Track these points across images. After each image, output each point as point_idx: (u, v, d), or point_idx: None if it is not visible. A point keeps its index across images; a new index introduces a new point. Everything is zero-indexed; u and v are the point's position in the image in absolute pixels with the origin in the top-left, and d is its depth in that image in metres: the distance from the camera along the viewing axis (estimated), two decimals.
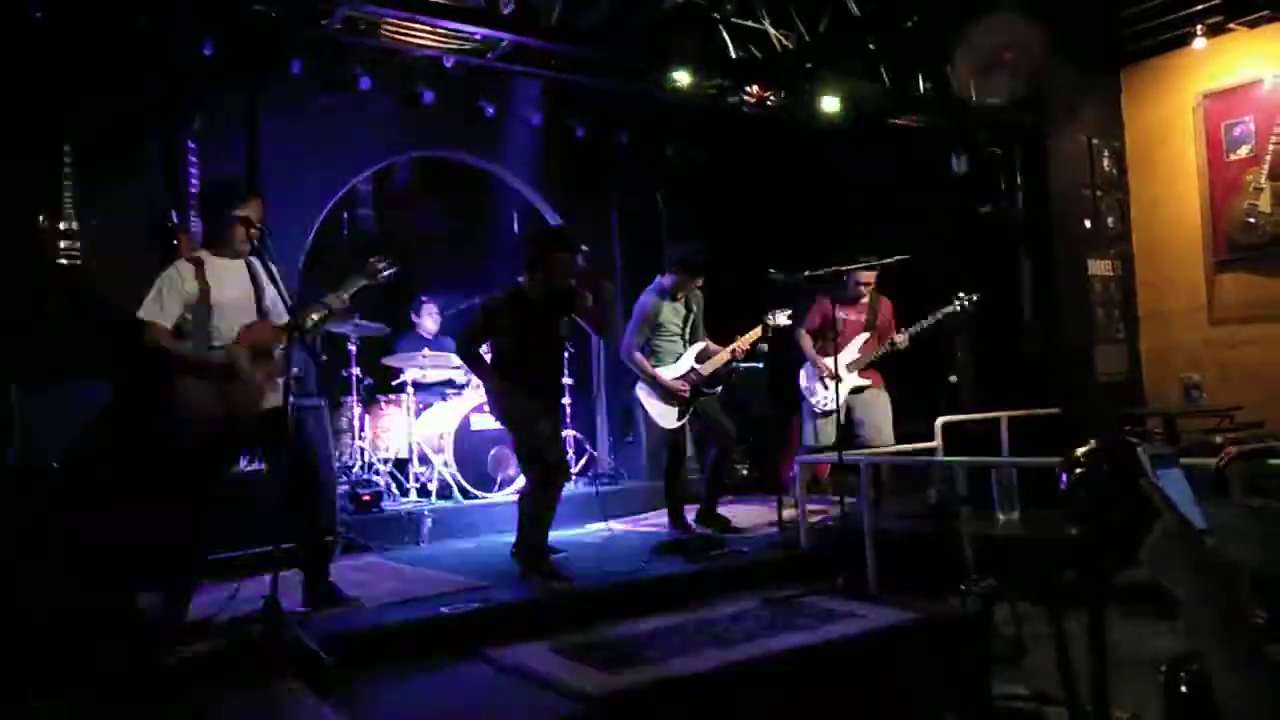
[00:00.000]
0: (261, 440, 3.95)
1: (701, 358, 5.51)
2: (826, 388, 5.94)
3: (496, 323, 4.72)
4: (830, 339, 5.76)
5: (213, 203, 4.01)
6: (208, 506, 3.96)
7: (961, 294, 5.82)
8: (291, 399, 3.99)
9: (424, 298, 7.24)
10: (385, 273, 4.19)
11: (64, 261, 5.12)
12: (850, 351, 5.91)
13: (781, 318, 5.60)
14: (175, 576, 3.97)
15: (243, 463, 4.67)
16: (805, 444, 6.06)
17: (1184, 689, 1.61)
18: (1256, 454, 3.24)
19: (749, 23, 6.23)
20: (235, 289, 3.94)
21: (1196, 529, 1.32)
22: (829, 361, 5.92)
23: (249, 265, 4.00)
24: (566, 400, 6.68)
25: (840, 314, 5.95)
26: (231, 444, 3.96)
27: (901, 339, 5.86)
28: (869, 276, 5.90)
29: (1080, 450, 1.56)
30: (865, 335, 5.92)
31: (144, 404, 4.97)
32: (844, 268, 5.54)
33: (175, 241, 5.46)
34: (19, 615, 3.24)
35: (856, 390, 5.83)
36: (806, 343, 5.98)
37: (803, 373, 6.11)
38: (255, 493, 4.49)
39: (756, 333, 5.53)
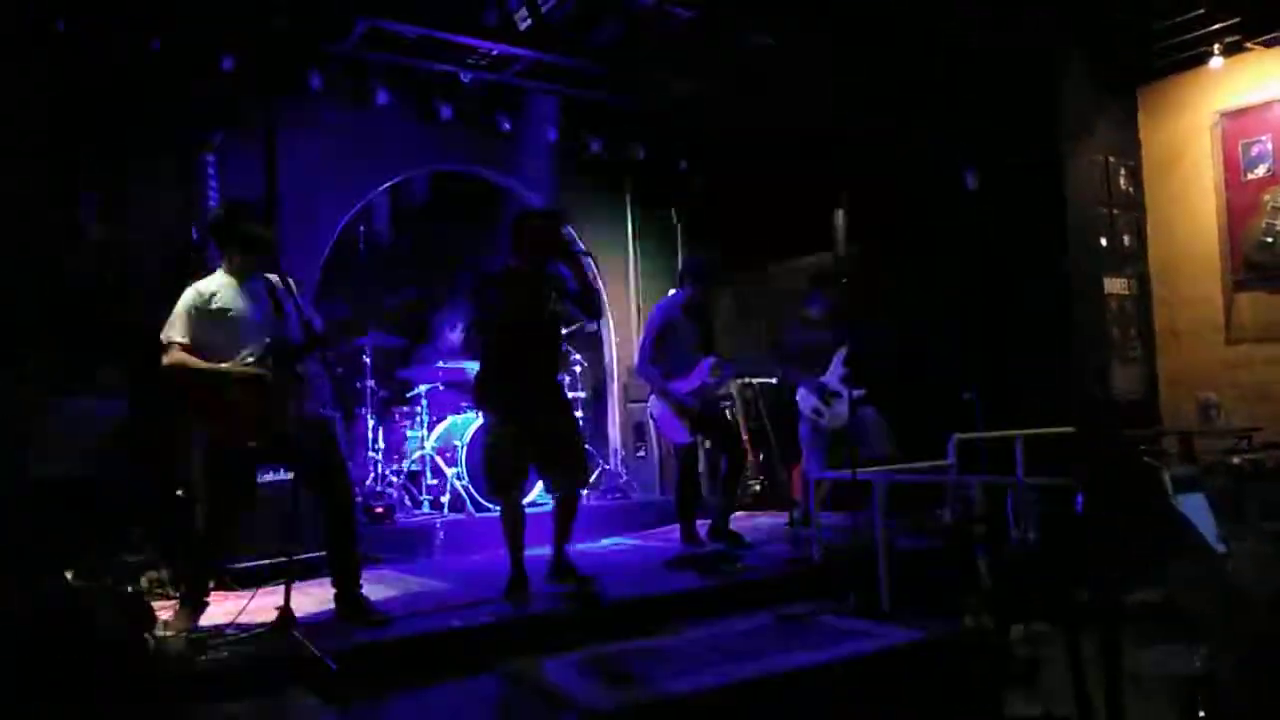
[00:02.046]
0: (289, 455, 3.98)
1: (714, 372, 5.51)
2: (830, 406, 5.98)
3: (487, 296, 4.50)
4: (809, 360, 6.06)
5: (220, 226, 4.05)
6: (227, 518, 3.98)
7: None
8: (323, 413, 4.04)
9: (458, 316, 7.28)
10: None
11: (84, 275, 5.17)
12: (838, 368, 5.96)
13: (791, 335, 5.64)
14: (189, 584, 3.99)
15: (260, 475, 4.69)
16: (809, 467, 6.08)
17: (1201, 711, 1.60)
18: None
19: (760, 36, 6.25)
20: (253, 307, 3.97)
21: (1218, 553, 1.32)
22: (824, 380, 5.99)
23: (266, 282, 4.04)
24: (579, 414, 6.67)
25: (812, 336, 6.12)
26: (254, 458, 3.98)
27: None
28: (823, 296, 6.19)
29: (1095, 470, 1.56)
30: (843, 351, 5.95)
31: (159, 418, 5.02)
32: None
33: (194, 256, 5.52)
34: (29, 622, 3.26)
35: (859, 404, 5.86)
36: (793, 369, 6.05)
37: (802, 396, 6.14)
38: (273, 504, 4.51)
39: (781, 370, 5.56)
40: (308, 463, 3.88)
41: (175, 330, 3.84)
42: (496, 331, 4.50)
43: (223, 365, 3.84)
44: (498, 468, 4.48)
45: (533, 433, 4.40)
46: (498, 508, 6.24)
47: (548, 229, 4.59)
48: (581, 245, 4.66)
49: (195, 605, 3.90)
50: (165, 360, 3.85)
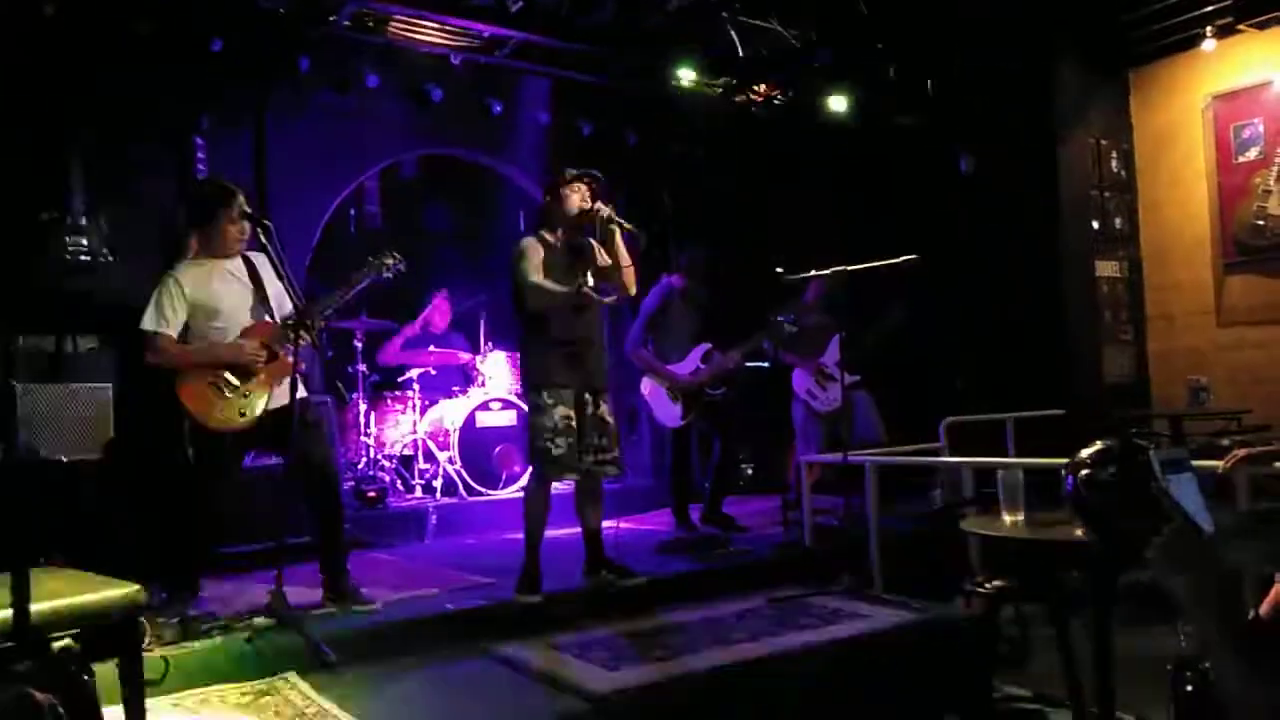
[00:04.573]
0: (273, 439, 3.95)
1: (707, 358, 5.51)
2: (825, 389, 5.99)
3: (526, 263, 4.18)
4: (804, 343, 5.99)
5: (200, 208, 3.98)
6: (213, 503, 3.97)
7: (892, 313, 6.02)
8: (311, 398, 4.01)
9: (435, 294, 7.26)
10: (392, 269, 4.17)
11: (71, 259, 5.14)
12: (834, 351, 5.95)
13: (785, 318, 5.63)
14: (179, 571, 3.98)
15: (249, 459, 4.67)
16: (802, 450, 6.09)
17: (1189, 690, 1.61)
18: (1263, 458, 3.23)
19: (757, 21, 6.23)
20: (235, 289, 3.94)
21: (1205, 533, 1.32)
22: (821, 361, 5.98)
23: (248, 262, 4.00)
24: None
25: (808, 319, 6.10)
26: (239, 442, 3.96)
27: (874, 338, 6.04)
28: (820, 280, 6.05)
29: (1086, 453, 1.56)
30: (839, 335, 5.93)
31: (148, 402, 5.01)
32: (853, 267, 5.53)
33: (184, 240, 5.48)
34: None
35: (852, 388, 5.87)
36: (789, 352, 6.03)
37: (796, 377, 6.13)
38: (264, 488, 4.50)
39: (759, 336, 5.53)
40: (292, 448, 3.85)
41: (156, 321, 3.80)
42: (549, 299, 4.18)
43: (203, 351, 3.81)
44: (551, 449, 4.15)
45: (579, 413, 4.22)
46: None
47: (581, 194, 4.25)
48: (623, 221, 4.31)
49: (185, 591, 3.89)
50: (149, 353, 3.82)
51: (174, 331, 3.82)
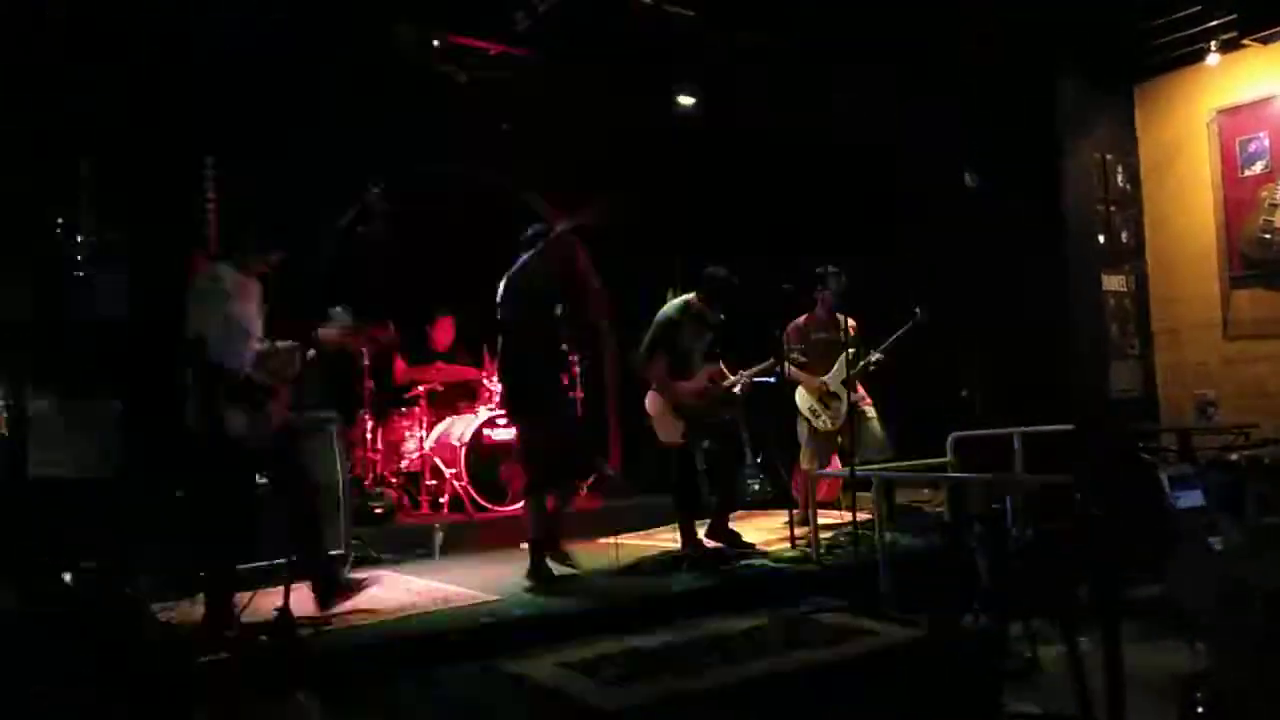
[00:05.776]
0: (274, 456, 3.98)
1: (715, 378, 5.50)
2: (828, 407, 5.97)
3: (510, 290, 4.79)
4: (810, 359, 6.00)
5: (263, 233, 4.02)
6: (247, 519, 3.99)
7: (916, 309, 5.97)
8: (298, 414, 4.04)
9: (439, 311, 7.27)
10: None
11: (80, 276, 5.16)
12: (840, 369, 5.94)
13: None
14: (215, 586, 3.97)
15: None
16: (804, 466, 6.08)
17: (1200, 708, 1.60)
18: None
19: (759, 36, 6.25)
20: (253, 306, 3.96)
21: (1216, 549, 1.32)
22: (824, 379, 5.96)
23: (263, 283, 4.03)
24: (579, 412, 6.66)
25: (816, 334, 6.09)
26: (260, 460, 4.00)
27: (876, 356, 6.03)
28: (829, 295, 6.14)
29: (1095, 468, 1.56)
30: (845, 353, 5.92)
31: (156, 417, 5.01)
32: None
33: (189, 256, 5.50)
34: (29, 620, 3.26)
35: (858, 404, 5.86)
36: (792, 368, 6.00)
37: (799, 395, 6.12)
38: (269, 506, 4.50)
39: (770, 362, 5.54)
40: (272, 465, 3.87)
41: (199, 323, 3.83)
42: (528, 330, 4.73)
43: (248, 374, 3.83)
44: (564, 459, 4.78)
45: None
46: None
47: (565, 252, 4.94)
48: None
49: (220, 607, 3.87)
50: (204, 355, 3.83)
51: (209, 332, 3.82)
